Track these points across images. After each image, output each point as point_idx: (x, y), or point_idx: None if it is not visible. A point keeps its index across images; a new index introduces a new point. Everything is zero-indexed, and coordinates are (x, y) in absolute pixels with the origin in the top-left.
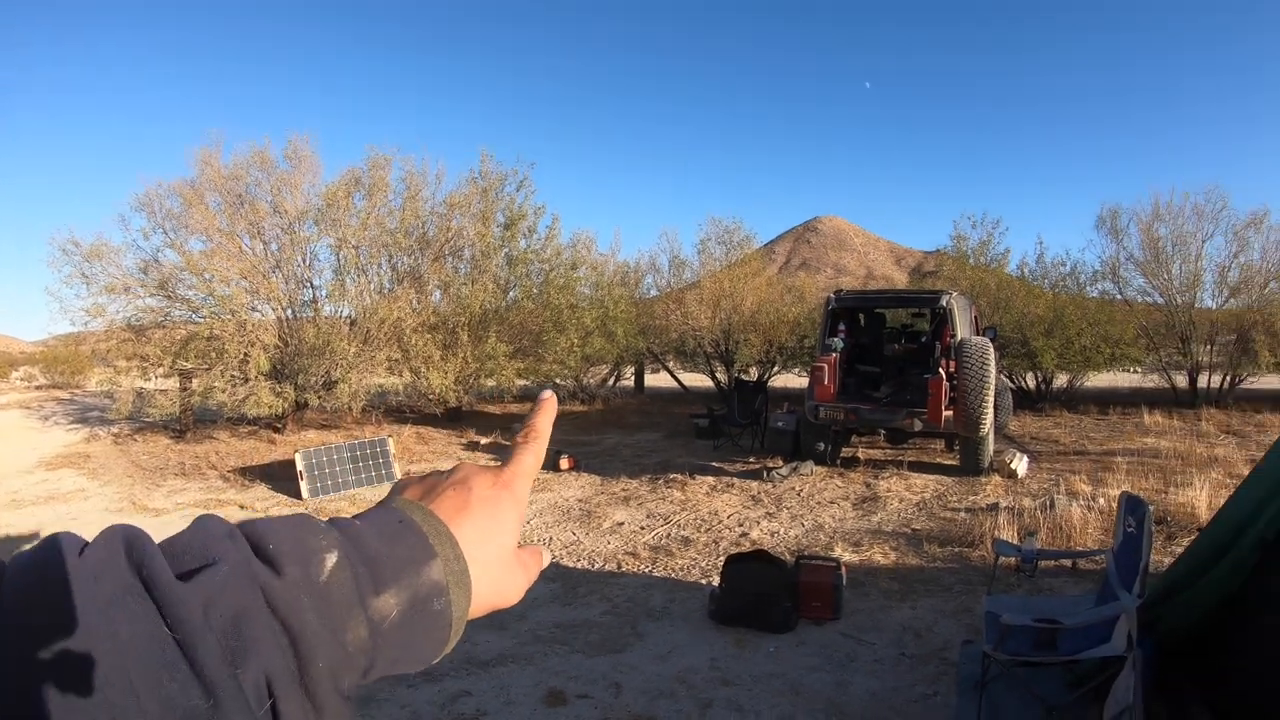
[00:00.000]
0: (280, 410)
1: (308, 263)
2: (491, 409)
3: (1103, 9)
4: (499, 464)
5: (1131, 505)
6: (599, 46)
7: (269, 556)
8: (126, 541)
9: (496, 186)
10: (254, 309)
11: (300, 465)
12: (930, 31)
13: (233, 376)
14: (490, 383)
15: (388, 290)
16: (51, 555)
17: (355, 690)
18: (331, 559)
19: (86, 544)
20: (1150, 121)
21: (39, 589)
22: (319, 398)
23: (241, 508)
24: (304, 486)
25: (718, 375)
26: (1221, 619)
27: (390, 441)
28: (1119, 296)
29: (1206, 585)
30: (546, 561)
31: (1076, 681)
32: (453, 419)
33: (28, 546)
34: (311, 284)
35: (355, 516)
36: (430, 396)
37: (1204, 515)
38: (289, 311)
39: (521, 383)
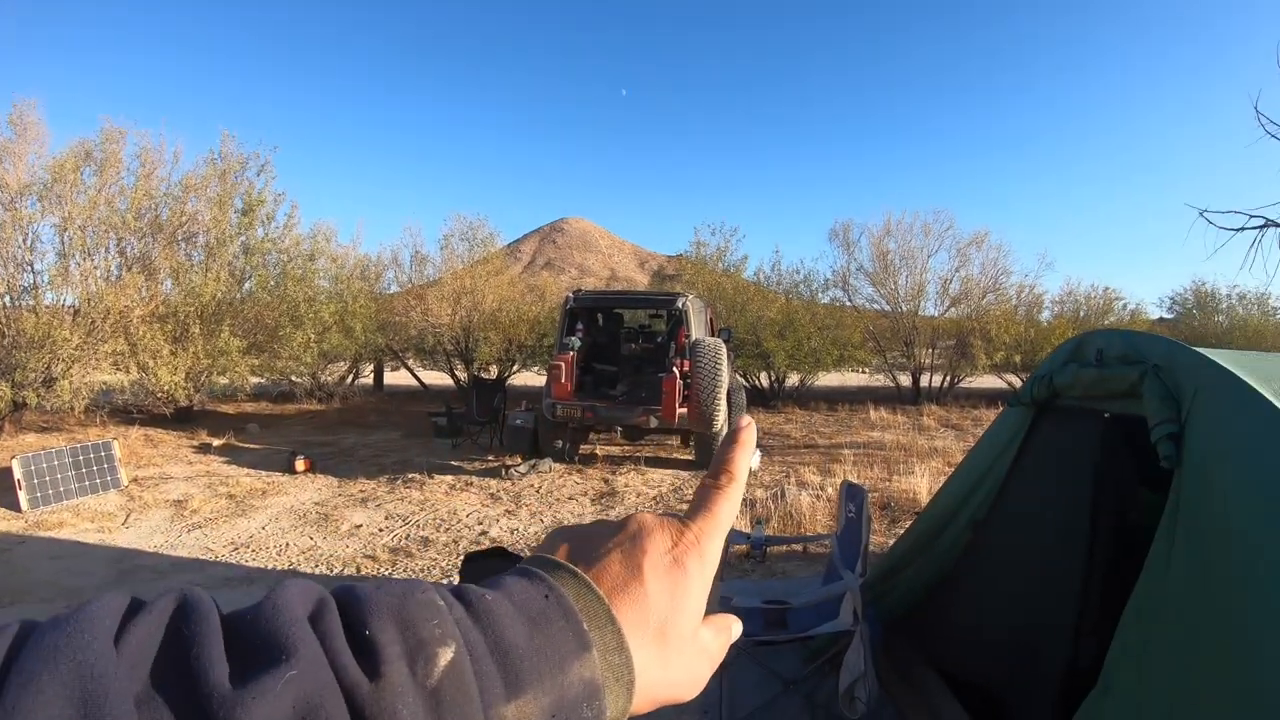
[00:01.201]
0: None
1: (29, 244)
2: (225, 408)
3: (844, 40)
4: (680, 516)
5: (851, 492)
6: (347, 32)
7: (363, 645)
8: (180, 611)
9: (236, 170)
10: None
11: (18, 473)
12: (691, 41)
13: None
14: (223, 380)
15: (115, 277)
16: (81, 633)
17: None
18: (447, 654)
19: (136, 609)
20: (888, 147)
21: (54, 680)
22: (38, 396)
23: None
24: (22, 497)
25: (457, 373)
26: (940, 591)
27: (116, 445)
28: (848, 303)
29: (927, 562)
30: (736, 634)
31: (811, 656)
32: (183, 419)
33: (62, 609)
34: (32, 267)
35: (490, 583)
36: (159, 395)
37: (924, 500)
38: (7, 299)
39: (256, 380)
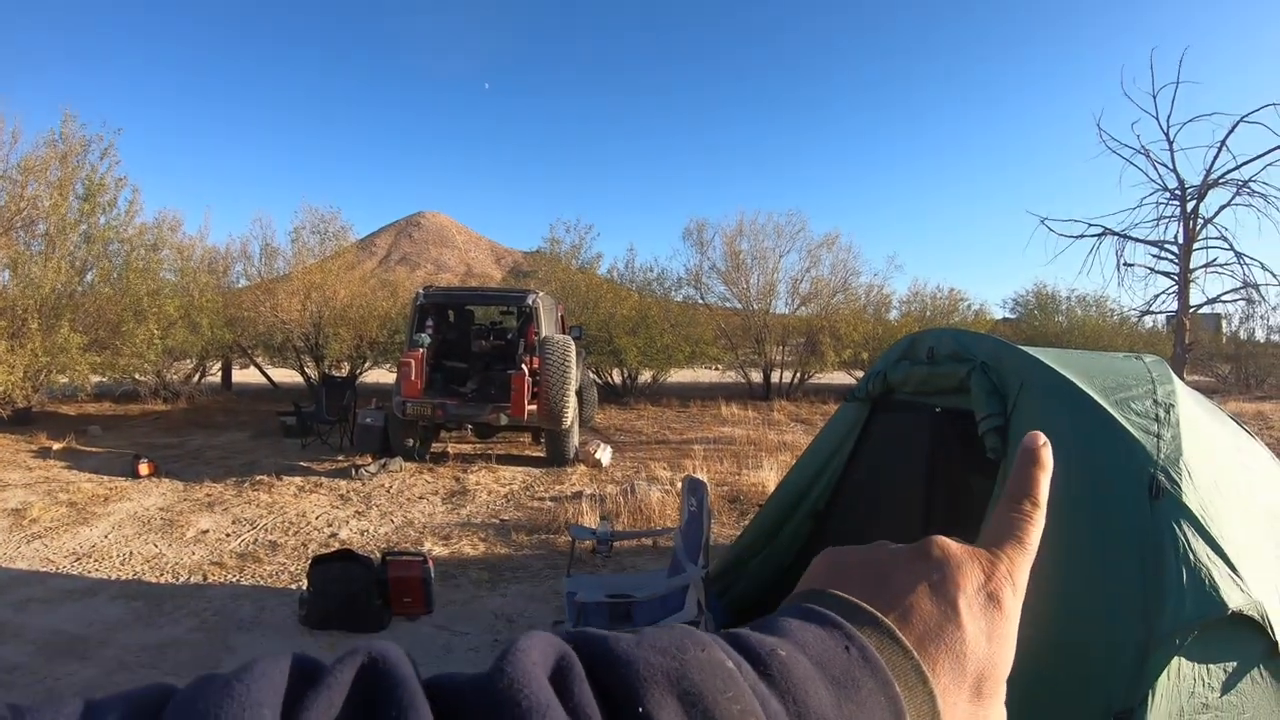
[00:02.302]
0: None
1: None
2: (66, 409)
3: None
4: (985, 547)
5: (693, 486)
6: (189, 9)
7: None
8: (369, 681)
9: (78, 153)
10: None
11: None
12: (551, 41)
13: None
14: (63, 379)
15: None
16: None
17: None
18: None
19: (311, 674)
20: (741, 149)
21: None
22: None
23: None
24: None
25: (308, 371)
26: (785, 579)
27: None
28: (701, 301)
29: (771, 553)
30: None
31: None
32: (21, 421)
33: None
34: None
35: (773, 627)
36: None
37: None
38: None
39: (97, 379)
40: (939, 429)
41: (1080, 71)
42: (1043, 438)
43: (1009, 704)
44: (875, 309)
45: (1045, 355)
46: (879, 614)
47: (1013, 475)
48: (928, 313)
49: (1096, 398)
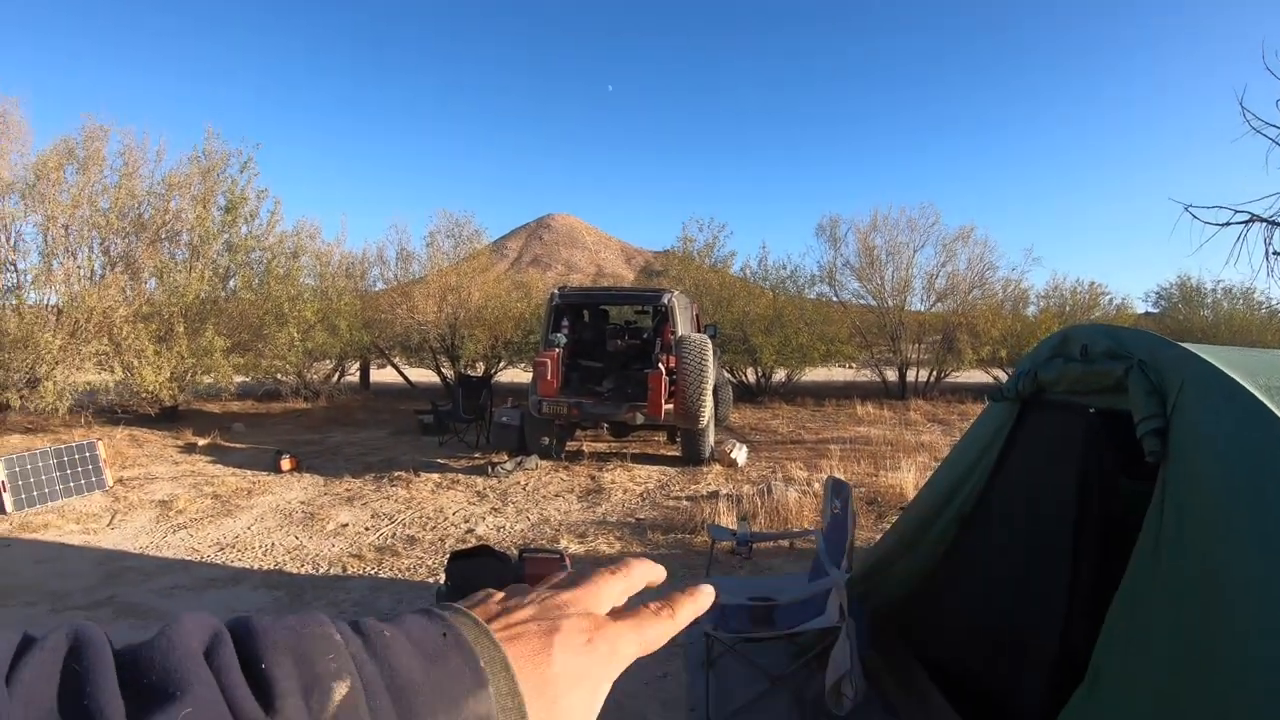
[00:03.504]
0: None
1: (11, 243)
2: (210, 407)
3: (834, 38)
4: (618, 617)
5: (836, 488)
6: (331, 29)
7: (259, 681)
8: (70, 652)
9: (219, 167)
10: None
11: (2, 475)
12: (675, 39)
13: None
14: (208, 379)
15: (99, 276)
16: None
17: None
18: (342, 688)
19: (28, 646)
20: (876, 144)
21: None
22: (21, 397)
23: None
24: (7, 499)
25: (444, 370)
26: (928, 585)
27: (100, 445)
28: (835, 298)
29: (915, 557)
30: None
31: (798, 652)
32: (169, 419)
33: None
34: (15, 267)
35: (390, 621)
36: (144, 395)
37: (911, 495)
38: None
39: (240, 379)
40: (1093, 430)
41: (1223, 47)
42: (711, 589)
43: None
44: (1013, 304)
45: (1205, 351)
46: (479, 618)
47: (683, 593)
48: (1067, 307)
49: (1261, 397)
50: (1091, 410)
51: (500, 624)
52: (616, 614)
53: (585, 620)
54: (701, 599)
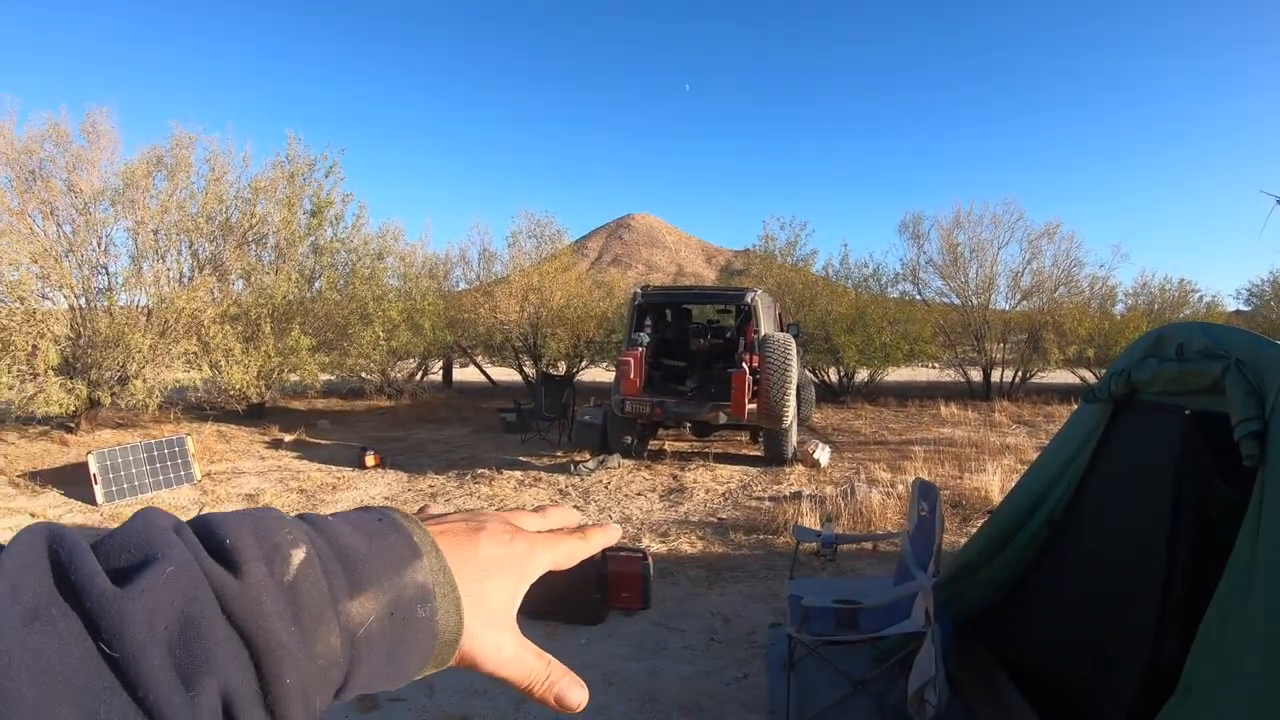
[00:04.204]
0: (72, 408)
1: (103, 247)
2: (296, 405)
3: (916, 28)
4: (535, 531)
5: (924, 490)
6: (414, 33)
7: (224, 552)
8: (50, 541)
9: (304, 172)
10: (44, 296)
11: (94, 468)
12: (752, 34)
13: (20, 371)
14: (294, 377)
15: (187, 278)
16: None
17: (327, 710)
18: (299, 554)
19: (11, 542)
20: (957, 137)
21: None
22: (113, 394)
23: (32, 516)
24: (98, 491)
25: (526, 369)
26: (1014, 591)
27: (189, 440)
28: (918, 297)
29: (1002, 562)
30: (548, 678)
31: (882, 657)
32: (256, 415)
33: None
34: (107, 270)
35: (330, 515)
36: (231, 392)
37: (996, 499)
38: (82, 300)
39: (326, 377)
40: (1188, 432)
41: None
42: (617, 528)
43: None
44: (1100, 302)
45: None
46: (407, 513)
47: (595, 525)
48: (1155, 305)
49: None
50: (1187, 412)
51: (431, 522)
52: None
53: (506, 526)
54: (611, 531)
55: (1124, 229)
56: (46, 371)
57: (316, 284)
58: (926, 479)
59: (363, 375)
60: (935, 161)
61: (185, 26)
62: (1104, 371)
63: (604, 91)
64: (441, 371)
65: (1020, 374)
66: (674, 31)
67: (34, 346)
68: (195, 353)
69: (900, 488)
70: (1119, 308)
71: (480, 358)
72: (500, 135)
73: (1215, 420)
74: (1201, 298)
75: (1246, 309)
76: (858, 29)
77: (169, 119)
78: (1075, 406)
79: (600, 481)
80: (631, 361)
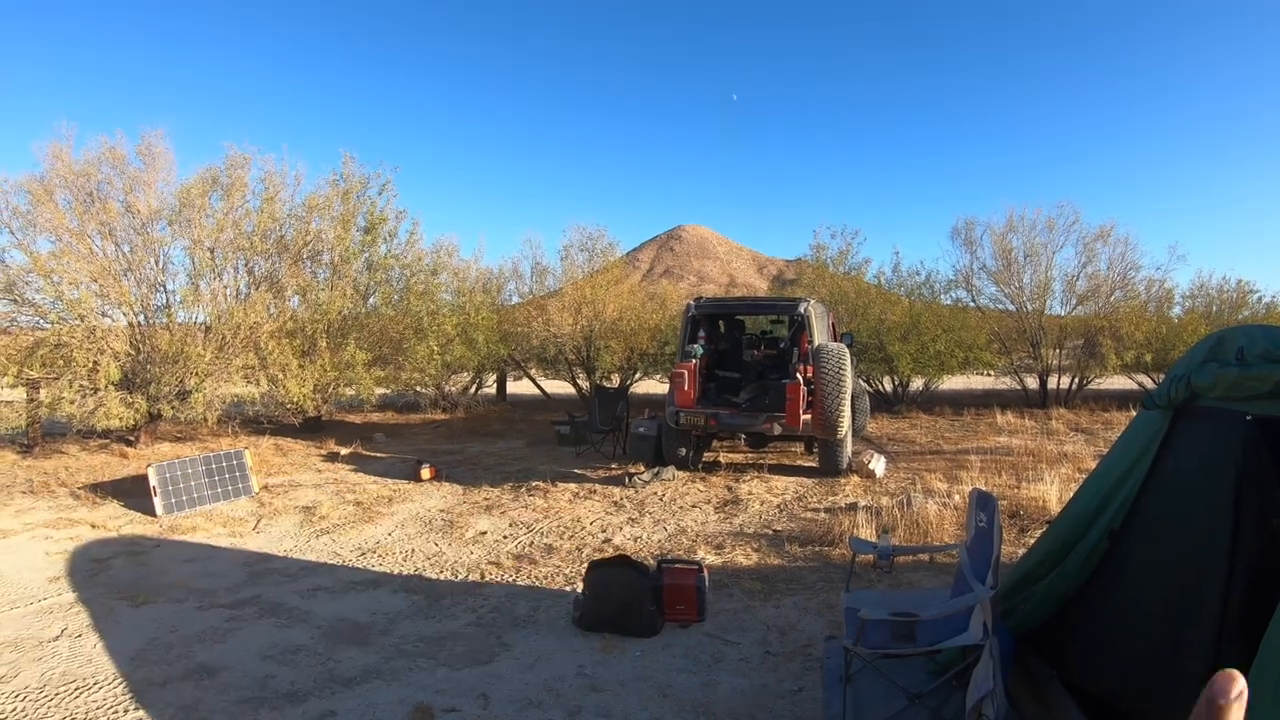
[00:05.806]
0: (132, 422)
1: (161, 266)
2: (352, 418)
3: (963, 28)
4: None
5: (982, 501)
6: (460, 48)
7: None
8: None
9: (358, 190)
10: (104, 314)
11: (153, 480)
12: (804, 40)
13: (82, 386)
14: (350, 391)
15: (244, 295)
16: None
17: None
18: None
19: None
20: (1005, 139)
21: None
22: (172, 408)
23: (93, 526)
24: (157, 503)
25: (579, 382)
26: (1073, 603)
27: (247, 454)
28: (972, 303)
29: (1060, 574)
30: None
31: (938, 670)
32: (312, 429)
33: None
34: (165, 288)
35: None
36: (288, 406)
37: (1054, 509)
38: (141, 317)
39: (382, 391)
40: (1250, 438)
41: None
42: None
43: None
44: (1157, 305)
45: None
46: None
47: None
48: (1214, 307)
49: None
50: (1249, 417)
51: None
52: None
53: None
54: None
55: (1180, 229)
56: (107, 386)
57: (371, 299)
58: (984, 489)
59: (417, 389)
60: (986, 166)
61: (249, 45)
62: (1162, 377)
63: (646, 98)
64: (495, 385)
65: (1077, 380)
66: (720, 41)
67: (94, 362)
68: (253, 367)
69: (957, 498)
70: (1176, 310)
71: (534, 371)
72: (550, 150)
73: (1278, 426)
74: (1261, 298)
75: None
76: (907, 33)
77: (222, 140)
78: (1133, 413)
79: (655, 494)
80: (686, 373)
